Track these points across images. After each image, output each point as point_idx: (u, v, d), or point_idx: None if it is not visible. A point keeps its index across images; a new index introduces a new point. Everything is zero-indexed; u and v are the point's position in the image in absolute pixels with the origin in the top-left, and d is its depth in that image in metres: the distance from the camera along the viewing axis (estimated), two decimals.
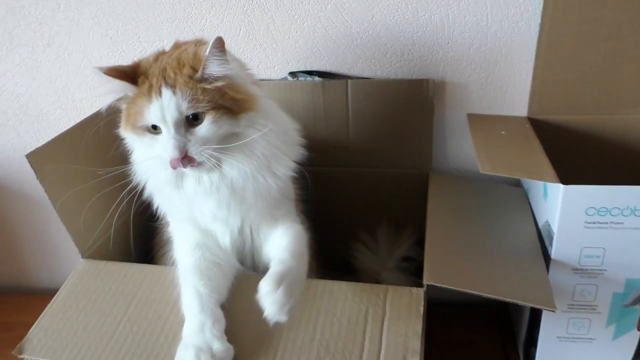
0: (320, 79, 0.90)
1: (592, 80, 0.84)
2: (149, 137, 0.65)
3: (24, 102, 1.00)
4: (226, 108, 0.63)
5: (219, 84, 0.63)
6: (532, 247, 0.75)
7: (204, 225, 0.72)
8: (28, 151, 1.05)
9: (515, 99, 0.88)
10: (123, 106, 0.68)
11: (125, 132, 0.68)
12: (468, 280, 0.67)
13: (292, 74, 0.90)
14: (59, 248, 1.16)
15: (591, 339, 0.77)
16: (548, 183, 0.73)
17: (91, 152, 0.78)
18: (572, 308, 0.75)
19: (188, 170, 0.65)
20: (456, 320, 0.99)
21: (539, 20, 0.81)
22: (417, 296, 0.66)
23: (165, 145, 0.62)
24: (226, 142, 0.64)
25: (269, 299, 0.59)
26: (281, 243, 0.70)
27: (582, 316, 0.76)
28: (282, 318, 0.60)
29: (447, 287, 0.65)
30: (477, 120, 0.87)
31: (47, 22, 0.93)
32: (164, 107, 0.62)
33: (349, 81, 0.88)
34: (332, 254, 0.89)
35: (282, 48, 0.90)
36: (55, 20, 0.93)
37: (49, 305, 0.71)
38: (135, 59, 0.68)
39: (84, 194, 0.76)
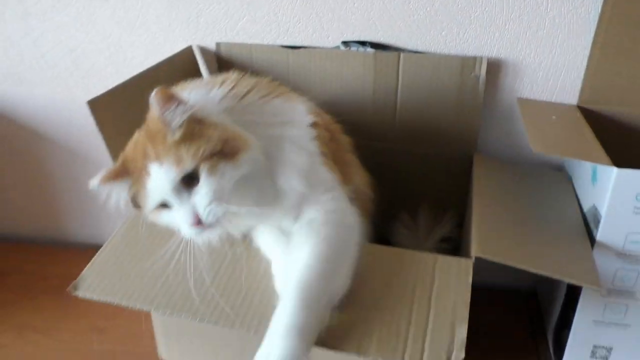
0: (372, 50, 0.90)
1: None
2: (166, 215, 0.63)
3: (75, 57, 1.02)
4: (219, 154, 0.60)
5: (187, 130, 0.60)
6: (577, 230, 0.76)
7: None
8: (77, 105, 1.07)
9: (566, 86, 0.89)
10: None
11: (151, 218, 0.66)
12: (514, 255, 0.68)
13: (345, 43, 0.91)
14: (98, 204, 1.17)
15: (627, 324, 0.78)
16: (599, 168, 0.73)
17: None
18: (611, 293, 0.76)
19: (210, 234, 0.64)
20: (484, 305, 0.99)
21: (599, 9, 0.81)
22: (465, 267, 0.67)
23: (179, 218, 0.61)
24: (241, 192, 0.62)
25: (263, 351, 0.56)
26: (288, 273, 0.62)
27: (620, 301, 0.76)
28: None
29: (494, 260, 0.66)
30: (527, 105, 0.88)
31: None
32: (158, 182, 0.60)
33: (402, 54, 0.89)
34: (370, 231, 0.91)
35: (337, 17, 0.90)
36: None
37: (100, 250, 0.72)
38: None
39: None
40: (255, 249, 0.70)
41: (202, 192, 0.59)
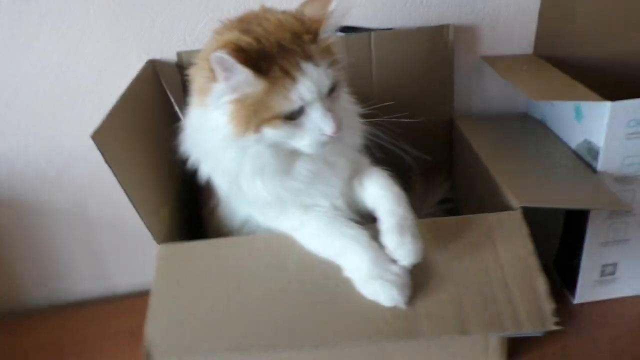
0: (342, 33, 0.89)
1: (593, 14, 0.93)
2: (287, 128, 0.58)
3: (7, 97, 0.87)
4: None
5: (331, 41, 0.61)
6: (578, 165, 0.81)
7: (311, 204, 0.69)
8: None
9: (522, 38, 0.95)
10: (229, 109, 0.58)
11: (245, 137, 0.58)
12: (552, 198, 0.72)
13: None
14: (54, 263, 1.02)
15: (627, 239, 0.86)
16: (582, 105, 0.80)
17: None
18: (613, 214, 0.83)
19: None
20: None
21: None
22: (517, 218, 0.68)
23: (321, 121, 0.58)
24: None
25: (403, 250, 0.61)
26: (377, 192, 0.70)
27: (620, 220, 0.84)
28: (419, 260, 0.62)
29: (541, 206, 0.69)
30: (494, 62, 0.93)
31: None
32: (315, 83, 0.57)
33: (372, 34, 0.89)
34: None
35: None
36: None
37: (149, 303, 0.63)
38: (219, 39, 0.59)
39: (147, 171, 0.71)
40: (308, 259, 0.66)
41: (342, 102, 0.64)
